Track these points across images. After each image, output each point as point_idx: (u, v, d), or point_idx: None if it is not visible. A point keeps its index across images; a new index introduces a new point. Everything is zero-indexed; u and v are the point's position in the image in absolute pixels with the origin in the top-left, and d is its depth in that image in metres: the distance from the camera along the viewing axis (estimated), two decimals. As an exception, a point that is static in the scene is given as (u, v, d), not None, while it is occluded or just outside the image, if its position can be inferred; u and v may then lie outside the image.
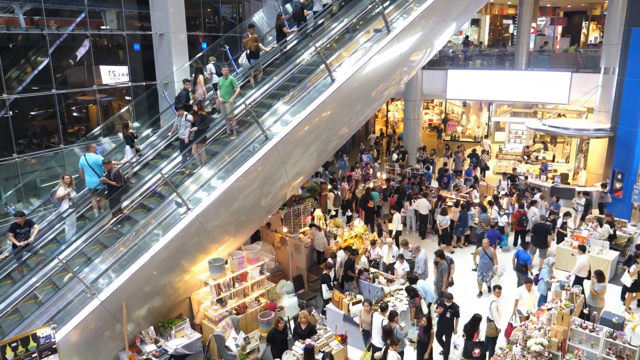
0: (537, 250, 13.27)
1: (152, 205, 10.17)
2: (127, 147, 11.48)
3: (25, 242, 9.59)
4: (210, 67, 12.72)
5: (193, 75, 12.76)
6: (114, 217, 10.03)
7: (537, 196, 15.75)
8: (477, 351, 8.72)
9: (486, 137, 25.66)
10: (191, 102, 11.89)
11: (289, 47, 13.33)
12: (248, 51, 12.70)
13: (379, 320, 9.07)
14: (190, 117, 10.82)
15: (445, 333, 9.76)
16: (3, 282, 9.84)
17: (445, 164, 20.98)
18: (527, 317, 9.78)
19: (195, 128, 10.74)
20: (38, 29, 13.45)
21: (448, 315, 9.53)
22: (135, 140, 11.78)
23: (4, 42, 13.33)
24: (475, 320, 9.03)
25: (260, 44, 12.70)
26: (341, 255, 11.85)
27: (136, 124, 13.68)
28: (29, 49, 14.12)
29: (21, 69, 13.99)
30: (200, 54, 14.99)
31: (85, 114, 16.22)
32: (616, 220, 14.26)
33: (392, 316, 8.96)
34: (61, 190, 10.15)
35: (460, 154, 20.81)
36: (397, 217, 14.55)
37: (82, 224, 10.51)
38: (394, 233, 14.43)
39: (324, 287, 10.95)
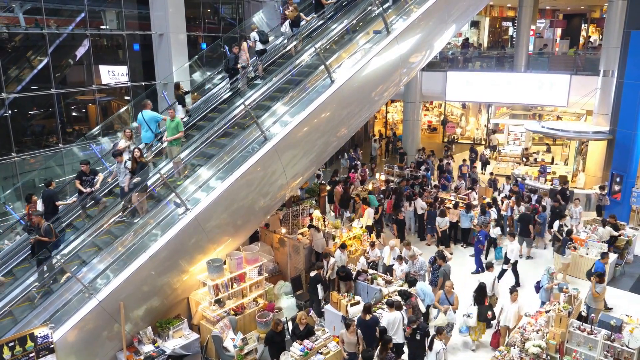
0: (524, 240, 14.18)
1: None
2: (179, 107, 12.07)
3: (91, 189, 10.20)
4: (254, 35, 13.20)
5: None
6: (43, 276, 9.31)
7: (534, 198, 15.78)
8: (490, 313, 10.24)
9: (494, 132, 25.72)
10: (238, 66, 12.51)
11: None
12: (290, 21, 13.29)
13: (395, 316, 9.19)
14: (129, 164, 10.16)
15: (416, 356, 9.10)
16: (67, 229, 10.48)
17: (448, 163, 20.92)
18: (512, 329, 9.77)
19: (137, 178, 9.91)
20: (38, 29, 13.44)
21: (418, 337, 8.94)
22: (186, 99, 12.31)
23: (4, 41, 13.32)
24: (481, 288, 10.32)
25: (301, 14, 13.45)
26: (337, 255, 11.85)
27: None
28: (28, 49, 14.11)
29: (21, 68, 13.97)
30: (199, 54, 15.01)
31: (85, 114, 16.22)
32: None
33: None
34: (122, 143, 10.75)
35: (465, 167, 19.84)
36: (369, 211, 14.92)
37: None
38: (364, 227, 14.50)
39: (319, 287, 10.97)
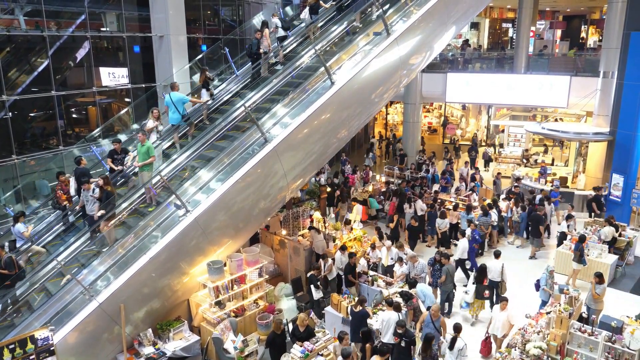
0: (534, 240, 14.60)
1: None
2: (203, 90, 12.41)
3: (122, 167, 10.74)
4: (276, 21, 13.60)
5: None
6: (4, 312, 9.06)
7: (537, 198, 15.76)
8: (487, 292, 10.96)
9: (502, 131, 25.70)
10: (261, 50, 12.89)
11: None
12: (308, 8, 13.75)
13: (390, 315, 9.17)
14: (97, 192, 9.80)
15: None
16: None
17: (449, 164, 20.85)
18: (501, 338, 9.69)
19: (103, 211, 9.60)
20: (38, 31, 13.45)
21: (403, 344, 8.75)
22: (210, 83, 12.69)
23: (4, 43, 13.33)
24: (482, 269, 11.06)
25: (321, 1, 13.93)
26: (338, 257, 11.84)
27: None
28: (29, 51, 14.11)
29: (21, 70, 13.97)
30: (200, 56, 15.02)
31: (85, 116, 16.22)
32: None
33: (458, 330, 8.78)
34: (150, 123, 11.24)
35: (478, 176, 19.11)
36: (357, 207, 15.33)
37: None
38: (352, 223, 14.58)
39: (312, 287, 10.99)
